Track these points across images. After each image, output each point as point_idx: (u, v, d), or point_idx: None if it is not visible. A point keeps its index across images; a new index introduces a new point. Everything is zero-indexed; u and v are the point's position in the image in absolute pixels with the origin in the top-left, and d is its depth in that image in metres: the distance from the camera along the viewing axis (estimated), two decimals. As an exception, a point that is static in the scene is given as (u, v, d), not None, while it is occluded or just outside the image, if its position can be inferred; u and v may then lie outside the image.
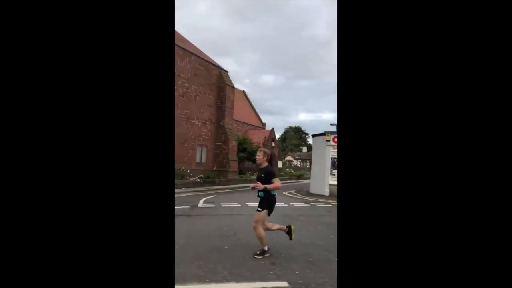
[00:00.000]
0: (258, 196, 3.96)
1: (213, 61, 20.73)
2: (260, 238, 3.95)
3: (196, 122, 18.69)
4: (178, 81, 16.91)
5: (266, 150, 4.12)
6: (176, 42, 15.88)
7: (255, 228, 3.92)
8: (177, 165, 15.23)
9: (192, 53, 18.30)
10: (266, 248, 3.99)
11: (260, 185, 3.80)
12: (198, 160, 18.92)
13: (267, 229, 4.02)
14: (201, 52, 20.05)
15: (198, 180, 15.60)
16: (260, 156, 4.02)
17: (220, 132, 20.22)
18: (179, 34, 19.38)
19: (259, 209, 3.92)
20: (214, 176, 17.77)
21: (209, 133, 19.79)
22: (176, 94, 16.64)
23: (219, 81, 20.42)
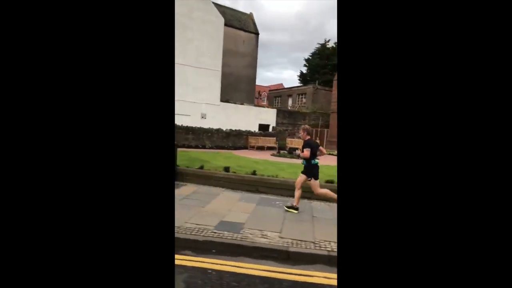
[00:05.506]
0: (303, 164, 5.03)
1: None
2: (297, 197, 4.94)
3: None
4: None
5: (305, 126, 5.14)
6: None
7: (296, 185, 4.97)
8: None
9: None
10: (296, 205, 4.92)
11: (301, 153, 4.87)
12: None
13: (321, 195, 4.99)
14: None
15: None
16: (301, 133, 5.09)
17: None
18: None
19: (308, 177, 4.89)
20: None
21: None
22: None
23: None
